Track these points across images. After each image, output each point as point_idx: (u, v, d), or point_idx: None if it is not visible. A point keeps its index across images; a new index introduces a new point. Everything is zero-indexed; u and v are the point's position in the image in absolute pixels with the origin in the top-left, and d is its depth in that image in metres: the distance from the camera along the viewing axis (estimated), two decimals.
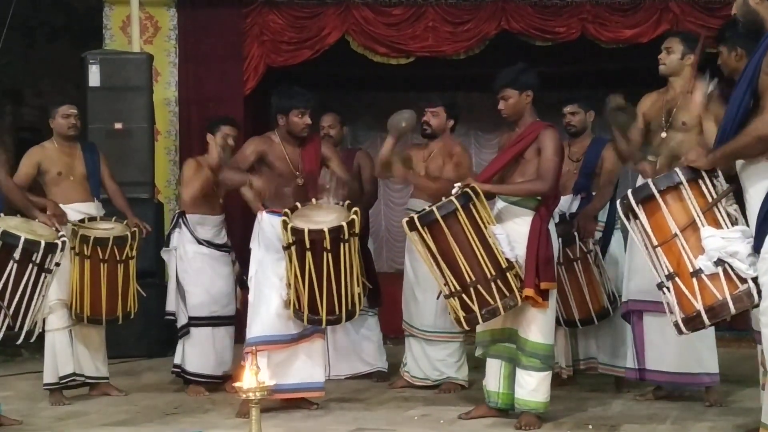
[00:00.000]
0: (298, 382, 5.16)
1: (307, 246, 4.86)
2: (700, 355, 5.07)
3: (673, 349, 5.02)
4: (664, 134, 4.98)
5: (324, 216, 4.99)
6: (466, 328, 4.70)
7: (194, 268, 5.87)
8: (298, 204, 5.06)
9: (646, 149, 5.12)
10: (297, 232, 4.87)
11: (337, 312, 5.01)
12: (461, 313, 4.61)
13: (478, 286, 4.55)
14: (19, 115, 10.16)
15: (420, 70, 8.65)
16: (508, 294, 4.59)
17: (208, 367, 5.85)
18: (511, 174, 4.81)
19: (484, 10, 8.13)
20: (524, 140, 4.75)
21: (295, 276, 4.94)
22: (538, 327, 4.71)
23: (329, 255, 4.88)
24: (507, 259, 4.62)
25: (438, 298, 5.08)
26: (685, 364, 5.07)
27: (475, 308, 4.56)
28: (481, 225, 4.59)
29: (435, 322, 5.68)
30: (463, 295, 4.57)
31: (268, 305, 5.10)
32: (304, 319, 5.02)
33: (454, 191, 4.65)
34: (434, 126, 5.84)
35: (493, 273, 4.57)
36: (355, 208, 5.00)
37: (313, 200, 5.13)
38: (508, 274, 4.60)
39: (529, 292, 4.62)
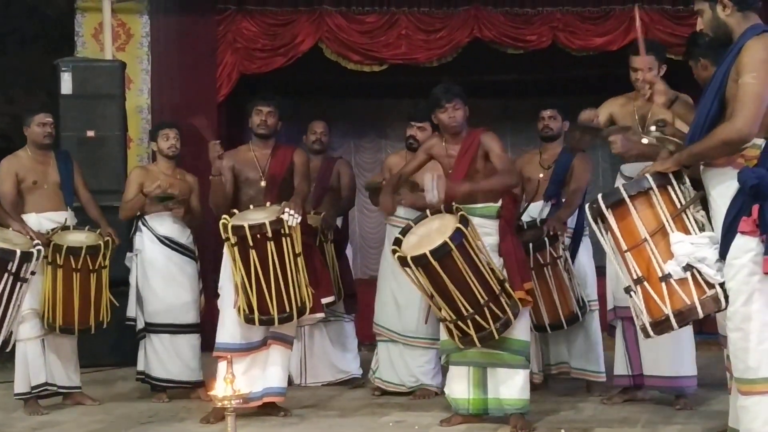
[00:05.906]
0: (261, 389, 5.18)
1: (251, 243, 4.90)
2: (687, 358, 5.18)
3: (666, 354, 5.11)
4: (645, 140, 5.06)
5: (257, 215, 5.04)
6: (479, 346, 4.71)
7: (155, 270, 5.85)
8: (236, 210, 5.11)
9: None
10: (237, 229, 4.92)
11: (288, 309, 5.03)
12: (473, 333, 4.63)
13: (490, 304, 4.60)
14: None
15: (393, 77, 8.70)
16: (510, 302, 4.66)
17: (171, 373, 5.85)
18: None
19: (457, 18, 8.21)
20: (471, 149, 4.90)
21: (242, 276, 4.98)
22: (523, 325, 4.81)
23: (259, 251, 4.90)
24: (500, 270, 4.71)
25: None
26: (678, 367, 5.16)
27: (489, 325, 4.61)
28: (479, 242, 4.66)
29: (417, 327, 5.72)
30: (476, 316, 4.61)
31: (232, 313, 5.14)
32: (256, 322, 5.04)
33: (443, 207, 4.69)
34: (421, 141, 5.87)
35: (499, 288, 4.65)
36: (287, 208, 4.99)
37: (268, 204, 5.17)
38: (505, 284, 4.69)
39: (522, 294, 4.72)
